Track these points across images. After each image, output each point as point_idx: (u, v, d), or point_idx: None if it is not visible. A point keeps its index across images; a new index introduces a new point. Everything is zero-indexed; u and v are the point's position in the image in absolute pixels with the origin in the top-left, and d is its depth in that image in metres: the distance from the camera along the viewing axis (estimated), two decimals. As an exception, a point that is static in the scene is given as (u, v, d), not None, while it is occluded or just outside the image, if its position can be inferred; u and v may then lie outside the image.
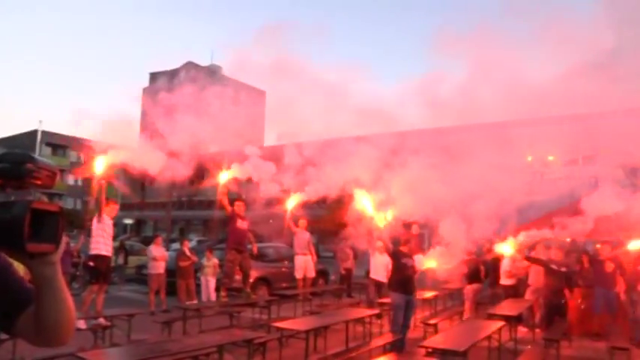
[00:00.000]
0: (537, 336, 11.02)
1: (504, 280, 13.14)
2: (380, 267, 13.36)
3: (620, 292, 11.29)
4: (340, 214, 12.78)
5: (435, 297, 13.34)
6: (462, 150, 12.01)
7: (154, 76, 55.64)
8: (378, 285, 13.39)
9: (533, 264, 12.37)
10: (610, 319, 11.26)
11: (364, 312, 10.63)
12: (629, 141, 10.49)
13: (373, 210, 10.92)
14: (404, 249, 10.21)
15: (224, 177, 12.00)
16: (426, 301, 13.21)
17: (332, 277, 17.48)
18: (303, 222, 14.68)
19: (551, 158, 13.54)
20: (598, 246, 12.43)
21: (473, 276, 13.41)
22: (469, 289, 13.42)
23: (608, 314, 11.33)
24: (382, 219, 10.90)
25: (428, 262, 10.63)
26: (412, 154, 11.77)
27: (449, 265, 10.99)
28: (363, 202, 10.95)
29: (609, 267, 11.43)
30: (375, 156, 11.77)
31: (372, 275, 13.63)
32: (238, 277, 12.51)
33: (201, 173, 13.59)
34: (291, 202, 13.41)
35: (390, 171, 11.82)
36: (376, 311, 11.29)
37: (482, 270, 13.59)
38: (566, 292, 12.00)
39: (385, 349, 8.87)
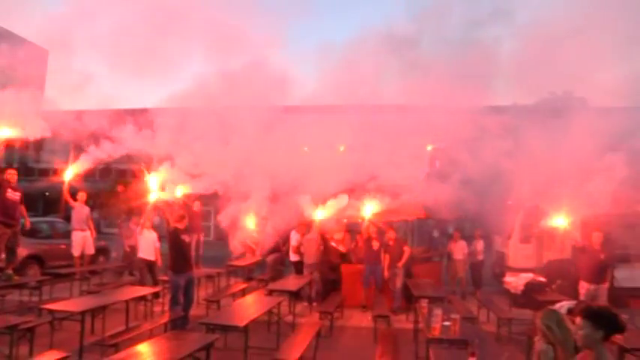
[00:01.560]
0: (315, 309, 11.75)
1: (292, 256, 13.78)
2: (148, 245, 12.74)
3: (384, 267, 12.53)
4: (126, 188, 12.21)
5: (218, 274, 13.49)
6: (249, 130, 12.24)
7: None
8: (149, 264, 12.78)
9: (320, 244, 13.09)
10: (376, 291, 12.45)
11: (145, 290, 10.32)
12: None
13: (158, 186, 10.59)
14: (180, 226, 9.97)
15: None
16: (209, 278, 13.31)
17: (114, 255, 16.63)
18: (82, 195, 13.63)
19: (342, 148, 14.18)
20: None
21: (273, 247, 14.77)
22: (270, 258, 14.60)
23: (375, 288, 12.52)
24: (169, 195, 10.66)
25: None
26: (203, 132, 11.73)
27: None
28: (149, 178, 10.57)
29: (375, 245, 12.61)
30: (163, 130, 11.46)
31: (141, 254, 12.85)
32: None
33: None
34: (69, 173, 12.39)
35: (180, 147, 11.64)
36: (157, 289, 11.05)
37: (280, 242, 14.76)
38: (342, 267, 12.99)
39: (166, 328, 8.76)
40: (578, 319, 3.50)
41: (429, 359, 6.04)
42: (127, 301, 9.12)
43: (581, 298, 10.31)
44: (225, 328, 7.74)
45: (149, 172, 10.76)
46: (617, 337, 4.04)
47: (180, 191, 11.83)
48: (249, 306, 8.93)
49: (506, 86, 11.95)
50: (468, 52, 12.37)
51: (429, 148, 13.40)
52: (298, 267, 13.61)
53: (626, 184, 10.01)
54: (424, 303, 8.03)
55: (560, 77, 12.85)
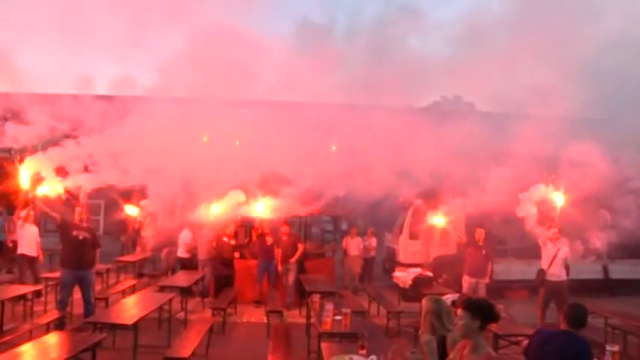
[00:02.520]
0: (208, 305, 11.59)
1: (182, 253, 13.47)
2: (29, 240, 11.73)
3: (277, 263, 12.58)
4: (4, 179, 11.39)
5: (107, 270, 12.94)
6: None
7: None
8: (30, 260, 11.77)
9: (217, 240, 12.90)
10: (269, 287, 12.48)
11: (24, 289, 9.69)
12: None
13: (31, 178, 9.88)
14: (73, 220, 9.49)
15: None
16: (98, 274, 12.72)
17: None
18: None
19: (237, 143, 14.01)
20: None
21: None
22: (165, 252, 14.37)
23: (268, 283, 12.55)
24: (50, 187, 10.01)
25: None
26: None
27: None
28: (22, 169, 9.81)
29: (269, 241, 12.63)
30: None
31: (21, 250, 11.78)
32: None
33: None
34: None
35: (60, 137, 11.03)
36: (39, 287, 10.42)
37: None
38: (235, 263, 12.88)
39: (49, 328, 8.28)
40: (458, 311, 3.71)
41: (321, 353, 6.13)
42: (2, 302, 8.51)
43: (464, 291, 10.92)
44: (114, 327, 7.45)
45: (21, 164, 9.98)
46: (493, 326, 4.33)
47: (63, 184, 11.17)
48: (139, 303, 8.61)
49: (410, 87, 12.26)
50: (375, 51, 12.65)
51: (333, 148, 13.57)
52: (187, 264, 13.37)
53: (506, 184, 10.66)
54: (316, 298, 8.14)
55: (455, 81, 13.46)
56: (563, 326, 4.80)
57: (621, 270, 14.68)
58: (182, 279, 11.59)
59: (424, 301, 4.58)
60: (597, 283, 14.12)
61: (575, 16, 12.13)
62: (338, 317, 6.83)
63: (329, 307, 6.84)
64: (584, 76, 12.03)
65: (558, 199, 10.71)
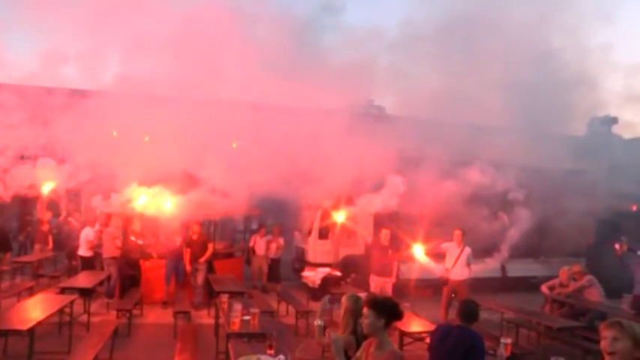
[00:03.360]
0: (113, 306, 11.20)
1: (84, 252, 12.91)
2: None
3: (186, 262, 12.38)
4: None
5: (1, 272, 12.21)
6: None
7: None
8: None
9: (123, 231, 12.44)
10: (177, 287, 12.26)
11: None
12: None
13: None
14: None
15: None
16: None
17: None
18: None
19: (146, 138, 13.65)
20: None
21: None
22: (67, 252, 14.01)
23: (176, 283, 12.32)
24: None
25: None
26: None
27: None
28: None
29: (178, 240, 12.40)
30: None
31: None
32: None
33: None
34: None
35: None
36: None
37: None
38: (142, 263, 12.53)
39: None
40: (364, 309, 3.84)
41: (229, 353, 6.13)
42: None
43: (372, 290, 11.23)
44: (5, 333, 7.04)
45: None
46: (398, 323, 4.51)
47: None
48: (37, 307, 8.11)
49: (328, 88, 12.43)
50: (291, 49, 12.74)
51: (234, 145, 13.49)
52: (89, 263, 12.86)
53: (413, 187, 11.07)
54: (225, 298, 8.12)
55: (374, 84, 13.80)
56: (458, 322, 5.13)
57: (517, 268, 15.64)
58: (85, 280, 11.14)
59: (344, 300, 4.69)
60: (496, 281, 14.97)
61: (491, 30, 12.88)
62: (246, 317, 6.86)
63: (237, 307, 6.85)
64: (492, 85, 12.79)
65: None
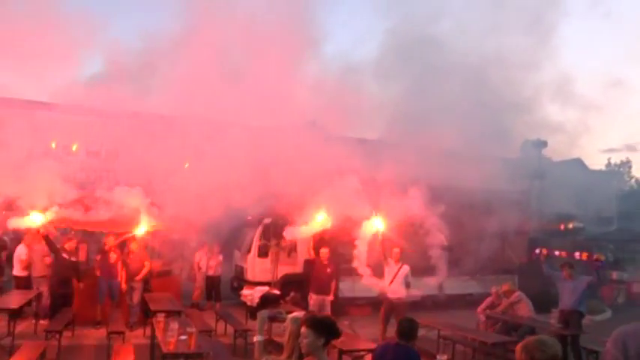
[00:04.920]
0: (42, 328, 10.71)
1: (18, 271, 12.33)
2: None
3: (121, 281, 12.04)
4: None
5: None
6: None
7: None
8: None
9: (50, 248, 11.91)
10: (112, 306, 11.88)
11: None
12: None
13: None
14: None
15: None
16: None
17: None
18: None
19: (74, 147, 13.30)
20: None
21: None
22: None
23: (111, 302, 11.94)
24: None
25: None
26: None
27: None
28: None
29: (113, 258, 12.05)
30: None
31: None
32: None
33: None
34: None
35: None
36: None
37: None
38: (74, 281, 12.06)
39: None
40: (302, 329, 3.83)
41: (164, 374, 5.99)
42: None
43: (311, 308, 11.22)
44: None
45: None
46: (337, 342, 4.53)
47: None
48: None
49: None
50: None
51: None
52: (24, 282, 12.30)
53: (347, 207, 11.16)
54: (161, 317, 7.96)
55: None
56: (396, 339, 5.21)
57: (454, 286, 15.99)
58: (13, 300, 10.64)
59: (287, 323, 4.60)
60: (434, 299, 15.25)
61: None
62: (183, 337, 6.73)
63: (174, 326, 6.74)
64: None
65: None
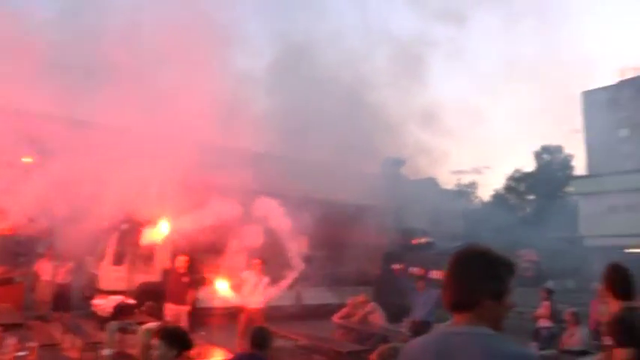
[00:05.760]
0: None
1: None
2: None
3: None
4: None
5: None
6: None
7: None
8: None
9: None
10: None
11: None
12: None
13: None
14: None
15: None
16: None
17: None
18: None
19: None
20: None
21: None
22: None
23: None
24: None
25: None
26: None
27: None
28: None
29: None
30: None
31: None
32: None
33: None
34: None
35: None
36: None
37: None
38: None
39: None
40: (154, 340, 3.70)
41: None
42: None
43: (167, 318, 10.86)
44: None
45: None
46: (192, 353, 4.41)
47: None
48: None
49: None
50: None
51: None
52: None
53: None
54: (-2, 330, 7.28)
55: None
56: (250, 349, 5.21)
57: (312, 297, 16.29)
58: None
59: (139, 335, 4.43)
60: (292, 309, 15.41)
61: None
62: (21, 353, 6.20)
63: (11, 341, 6.18)
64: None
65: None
